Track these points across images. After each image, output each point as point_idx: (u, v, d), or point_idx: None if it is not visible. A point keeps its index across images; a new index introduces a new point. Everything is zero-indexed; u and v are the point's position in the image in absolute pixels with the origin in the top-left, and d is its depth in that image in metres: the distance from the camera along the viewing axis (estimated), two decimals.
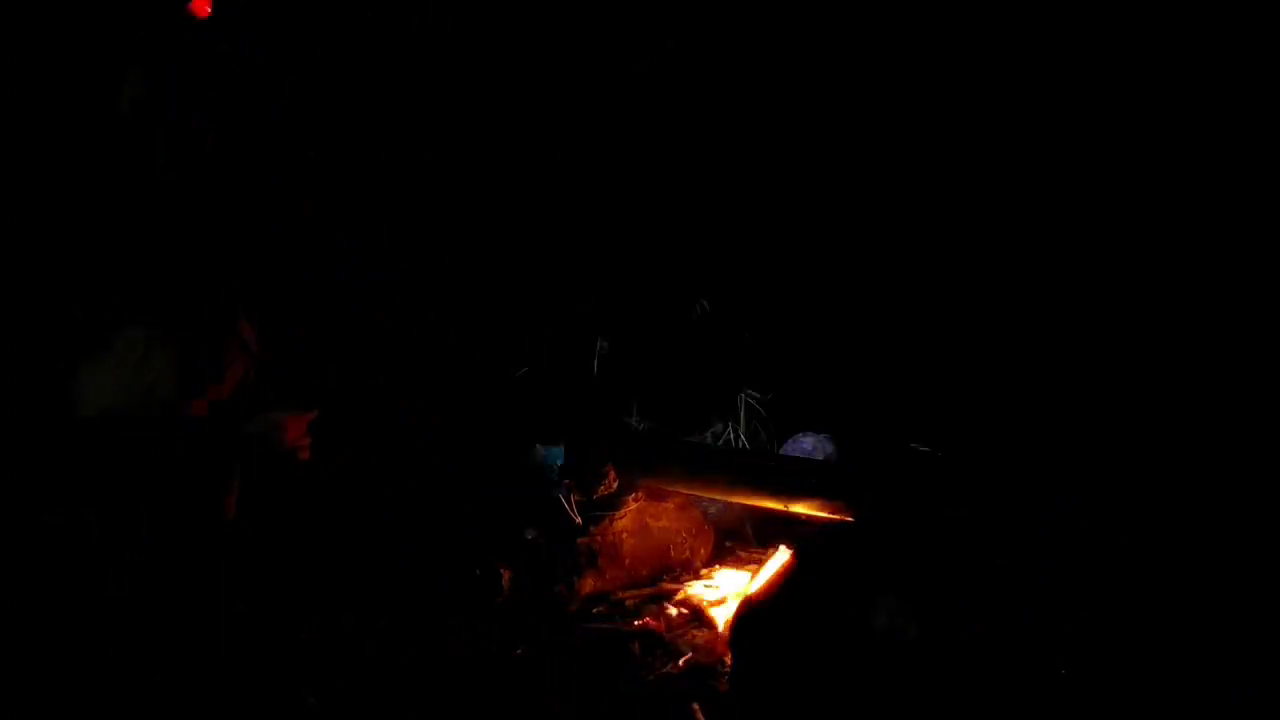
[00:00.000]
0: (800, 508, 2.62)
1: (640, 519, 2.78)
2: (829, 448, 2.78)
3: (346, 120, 2.97)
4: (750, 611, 1.97)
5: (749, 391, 3.16)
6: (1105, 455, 2.63)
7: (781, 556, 2.55)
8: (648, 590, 2.70)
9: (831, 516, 2.54)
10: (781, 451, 2.96)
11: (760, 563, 2.67)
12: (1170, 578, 2.13)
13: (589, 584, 2.65)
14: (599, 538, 2.71)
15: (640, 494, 2.82)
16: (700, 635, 2.38)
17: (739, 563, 2.79)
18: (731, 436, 3.09)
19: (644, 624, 2.52)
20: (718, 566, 2.79)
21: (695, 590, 2.65)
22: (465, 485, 2.76)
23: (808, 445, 2.70)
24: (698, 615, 2.52)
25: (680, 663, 2.28)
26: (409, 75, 3.04)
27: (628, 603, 2.65)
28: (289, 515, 2.25)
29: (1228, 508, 2.30)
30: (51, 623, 1.80)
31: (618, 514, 2.76)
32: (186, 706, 1.87)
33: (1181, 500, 2.33)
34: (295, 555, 2.29)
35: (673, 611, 2.58)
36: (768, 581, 2.04)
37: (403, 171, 3.07)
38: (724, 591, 2.60)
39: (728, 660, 2.15)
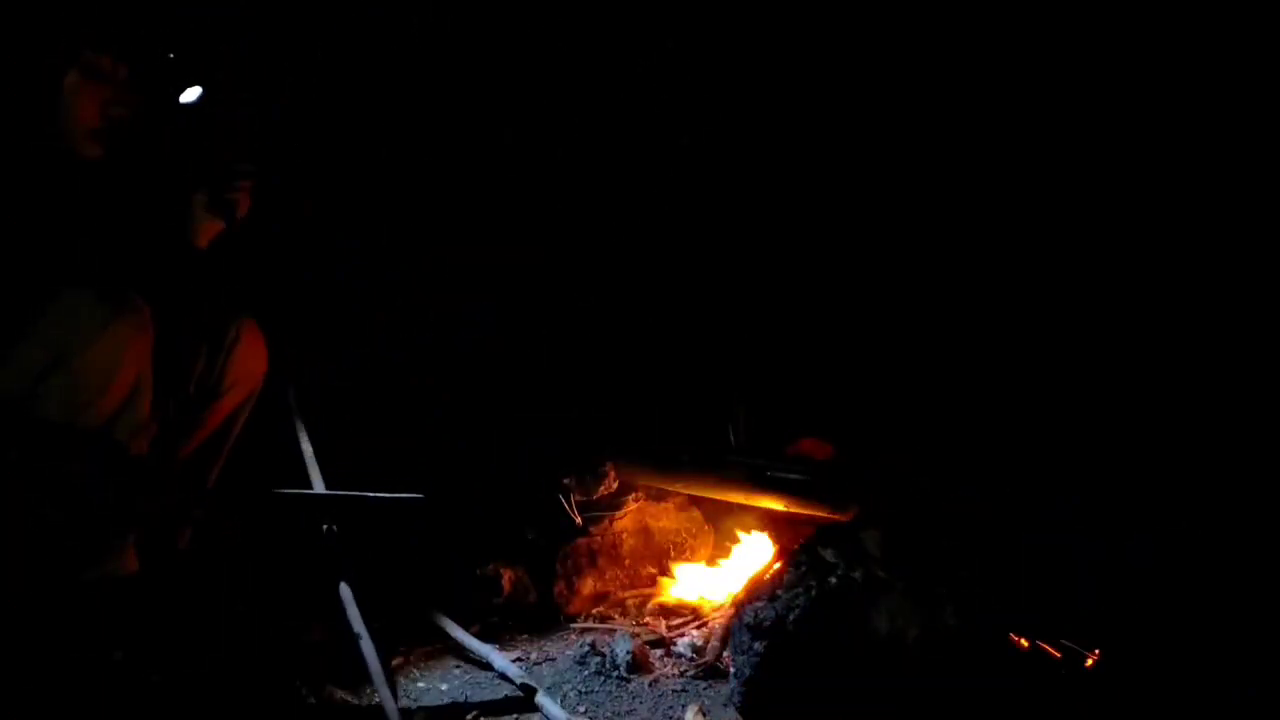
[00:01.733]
0: (798, 508, 2.62)
1: (640, 519, 2.79)
2: None
3: (346, 120, 2.97)
4: (749, 611, 1.97)
5: (747, 391, 3.16)
6: (1104, 456, 2.63)
7: (780, 556, 2.55)
8: (648, 590, 2.70)
9: (831, 516, 2.54)
10: None
11: (759, 563, 2.67)
12: (1170, 577, 2.13)
13: (589, 584, 2.65)
14: (599, 538, 2.72)
15: (640, 494, 2.82)
16: (700, 635, 2.38)
17: (738, 563, 2.79)
18: (731, 437, 3.09)
19: (644, 624, 2.52)
20: (717, 567, 2.79)
21: (694, 590, 2.65)
22: (466, 488, 2.76)
23: None
24: (697, 615, 2.53)
25: (680, 663, 2.28)
26: (409, 75, 3.04)
27: (628, 603, 2.65)
28: (289, 513, 2.25)
29: (1226, 508, 2.31)
30: (48, 617, 1.80)
31: (618, 514, 2.77)
32: (187, 706, 1.87)
33: (1180, 500, 2.33)
34: (293, 555, 2.29)
35: (672, 611, 2.58)
36: (767, 581, 2.04)
37: (403, 171, 3.07)
38: (723, 591, 2.60)
39: (727, 660, 2.15)
